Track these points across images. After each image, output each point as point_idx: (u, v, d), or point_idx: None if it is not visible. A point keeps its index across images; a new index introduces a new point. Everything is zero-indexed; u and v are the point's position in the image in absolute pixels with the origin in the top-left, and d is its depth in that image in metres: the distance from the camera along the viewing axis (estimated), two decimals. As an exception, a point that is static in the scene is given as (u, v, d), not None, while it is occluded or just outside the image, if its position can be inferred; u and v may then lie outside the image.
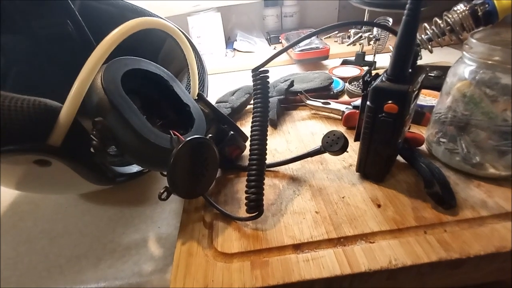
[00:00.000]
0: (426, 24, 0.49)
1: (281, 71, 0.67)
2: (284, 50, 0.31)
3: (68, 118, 0.24)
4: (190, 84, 0.39)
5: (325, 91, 0.53)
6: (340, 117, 0.47)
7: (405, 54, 0.25)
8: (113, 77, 0.27)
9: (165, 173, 0.30)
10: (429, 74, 0.52)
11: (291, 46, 0.31)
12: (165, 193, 0.28)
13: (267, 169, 0.37)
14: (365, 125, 0.30)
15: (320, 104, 0.48)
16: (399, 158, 0.36)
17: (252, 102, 0.33)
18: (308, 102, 0.49)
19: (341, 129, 0.45)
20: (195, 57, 0.37)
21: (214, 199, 0.34)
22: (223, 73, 0.77)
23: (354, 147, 0.39)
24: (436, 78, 0.50)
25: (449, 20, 0.45)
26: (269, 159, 0.35)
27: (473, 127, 0.32)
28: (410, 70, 0.27)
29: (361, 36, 0.63)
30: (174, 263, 0.27)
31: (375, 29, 0.61)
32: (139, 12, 0.43)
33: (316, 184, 0.35)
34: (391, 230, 0.28)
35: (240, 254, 0.27)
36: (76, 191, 0.37)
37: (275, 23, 0.95)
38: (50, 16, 0.30)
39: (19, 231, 0.36)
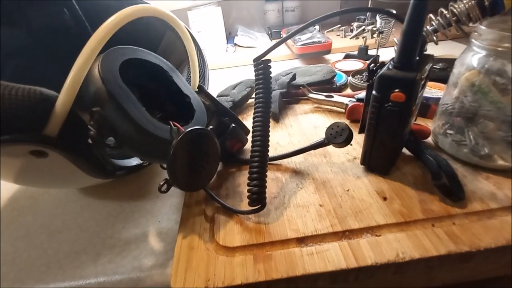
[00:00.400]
0: (431, 15, 0.47)
1: (283, 66, 0.66)
2: (288, 37, 0.30)
3: (65, 107, 0.23)
4: (190, 77, 0.39)
5: (327, 85, 0.52)
6: (343, 111, 0.46)
7: (413, 40, 0.24)
8: (111, 66, 0.26)
9: (165, 165, 0.29)
10: (435, 66, 0.51)
11: (295, 33, 0.30)
12: (165, 186, 0.27)
13: (269, 162, 0.36)
14: (371, 115, 0.29)
15: (323, 97, 0.47)
16: (404, 150, 0.35)
17: (254, 93, 0.32)
18: (311, 95, 0.48)
19: (343, 121, 0.44)
20: (195, 48, 0.36)
21: (216, 192, 0.33)
22: (224, 68, 0.76)
23: (358, 139, 0.39)
24: (442, 70, 0.49)
25: (455, 10, 0.44)
26: (271, 153, 0.34)
27: (481, 117, 0.31)
28: (417, 58, 0.26)
29: (364, 29, 0.62)
30: (175, 257, 0.26)
31: (378, 21, 0.60)
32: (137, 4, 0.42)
33: (319, 177, 0.34)
34: (398, 223, 0.27)
35: (242, 247, 0.27)
36: (75, 185, 0.36)
37: (277, 18, 0.94)
38: (47, 5, 0.29)
39: (18, 226, 0.35)
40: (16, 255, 0.32)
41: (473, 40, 0.30)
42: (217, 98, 0.49)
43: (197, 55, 0.36)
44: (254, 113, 0.31)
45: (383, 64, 0.29)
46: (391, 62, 0.26)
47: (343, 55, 0.70)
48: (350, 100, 0.44)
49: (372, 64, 0.29)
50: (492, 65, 0.28)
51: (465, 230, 0.26)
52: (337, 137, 0.32)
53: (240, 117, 0.48)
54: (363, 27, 0.62)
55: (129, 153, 0.33)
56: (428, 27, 0.48)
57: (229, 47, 0.83)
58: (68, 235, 0.33)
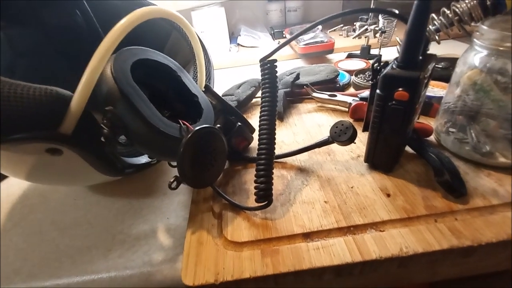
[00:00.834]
0: (433, 15, 0.48)
1: (286, 66, 0.67)
2: (292, 38, 0.31)
3: (79, 106, 0.24)
4: (196, 77, 0.39)
5: (331, 84, 0.52)
6: (346, 110, 0.46)
7: (416, 39, 0.25)
8: (123, 66, 0.27)
9: (174, 163, 0.30)
10: (437, 65, 0.52)
11: (300, 35, 0.30)
12: (175, 183, 0.28)
13: (275, 160, 0.36)
14: (375, 114, 0.30)
15: (326, 97, 0.48)
16: (407, 148, 0.36)
17: (260, 92, 0.33)
18: (314, 94, 0.49)
19: (347, 120, 0.45)
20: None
21: (222, 189, 0.34)
22: (227, 68, 0.76)
23: (361, 138, 0.39)
24: (444, 69, 0.50)
25: (457, 10, 0.44)
26: (277, 151, 0.34)
27: (483, 116, 0.32)
28: (420, 58, 0.27)
29: (366, 29, 0.62)
30: (185, 252, 0.27)
31: (381, 21, 0.60)
32: (145, 5, 0.42)
33: (324, 175, 0.34)
34: (401, 219, 0.28)
35: (250, 242, 0.27)
36: (85, 182, 0.37)
37: (279, 17, 0.95)
38: (59, 6, 0.30)
39: (29, 222, 0.36)
40: (29, 251, 0.33)
41: (475, 39, 0.30)
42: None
43: (203, 55, 0.37)
44: (260, 112, 0.32)
45: (386, 63, 0.29)
46: (395, 62, 0.27)
47: (345, 54, 0.71)
48: (353, 99, 0.45)
49: (376, 64, 0.29)
50: (494, 64, 0.29)
51: (467, 225, 0.26)
52: (341, 135, 0.32)
53: (245, 116, 0.49)
54: (365, 26, 0.63)
55: (139, 151, 0.34)
56: (430, 26, 0.48)
57: (232, 47, 0.84)
58: (78, 231, 0.34)
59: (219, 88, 0.56)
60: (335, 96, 0.47)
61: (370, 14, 0.63)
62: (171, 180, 0.28)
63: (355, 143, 0.36)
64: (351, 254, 0.25)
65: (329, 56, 0.73)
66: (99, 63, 0.24)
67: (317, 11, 0.98)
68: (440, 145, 0.36)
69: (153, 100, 0.28)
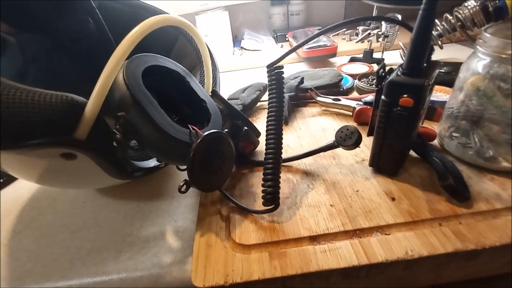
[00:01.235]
0: (436, 20, 0.49)
1: (289, 69, 0.67)
2: (299, 46, 0.31)
3: (93, 112, 0.24)
4: (202, 81, 0.40)
5: (334, 88, 0.53)
6: (350, 113, 0.47)
7: (421, 48, 0.25)
8: (134, 73, 0.28)
9: (182, 167, 0.31)
10: (440, 70, 0.52)
11: (306, 42, 0.31)
12: (185, 186, 0.28)
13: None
14: (380, 119, 0.30)
15: (330, 101, 0.48)
16: (411, 152, 0.36)
17: (267, 97, 0.33)
18: (318, 98, 0.49)
19: (352, 125, 0.45)
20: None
21: (230, 193, 0.34)
22: (231, 71, 0.77)
23: (366, 142, 0.40)
24: (447, 74, 0.51)
25: (460, 15, 0.45)
26: (282, 155, 0.35)
27: (486, 121, 0.32)
28: (425, 65, 0.27)
29: (369, 33, 0.63)
30: (194, 254, 0.28)
31: (383, 26, 0.61)
32: (152, 11, 0.43)
33: (329, 178, 0.35)
34: (406, 222, 0.28)
35: (257, 245, 0.28)
36: (95, 185, 0.37)
37: (282, 21, 0.96)
38: (74, 15, 0.31)
39: (40, 224, 0.37)
40: (40, 252, 0.33)
41: (478, 46, 0.31)
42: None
43: (211, 62, 0.38)
44: (267, 117, 0.32)
45: (391, 70, 0.30)
46: (400, 69, 0.28)
47: (348, 58, 0.72)
48: (357, 103, 0.45)
49: (381, 70, 0.30)
50: (496, 71, 0.30)
51: (471, 229, 0.27)
52: (346, 139, 0.33)
53: (250, 119, 0.50)
54: (368, 31, 0.63)
55: (149, 155, 0.34)
56: (433, 31, 0.49)
57: (235, 50, 0.85)
58: (88, 233, 0.35)
59: (223, 91, 0.57)
60: (339, 100, 0.48)
61: (373, 18, 0.64)
62: (181, 184, 0.28)
63: (359, 147, 0.36)
64: (358, 257, 0.26)
65: (332, 59, 0.74)
66: (113, 70, 0.24)
67: (319, 15, 0.98)
68: (444, 149, 0.37)
69: (162, 105, 0.29)
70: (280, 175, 0.32)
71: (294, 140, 0.43)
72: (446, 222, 0.28)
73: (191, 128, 0.29)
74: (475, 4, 0.44)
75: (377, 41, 0.63)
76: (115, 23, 0.38)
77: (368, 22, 0.67)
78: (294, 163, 0.38)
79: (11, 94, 0.22)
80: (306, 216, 0.30)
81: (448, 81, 0.46)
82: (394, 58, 0.67)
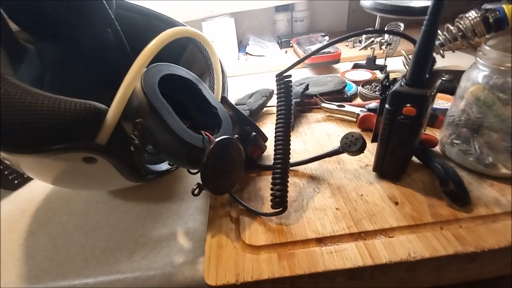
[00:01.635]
0: (438, 30, 0.50)
1: (294, 75, 0.68)
2: (308, 56, 0.33)
3: (114, 119, 0.26)
4: (212, 88, 0.42)
5: (339, 94, 0.55)
6: (354, 120, 0.48)
7: (424, 61, 0.27)
8: (152, 81, 0.29)
9: (193, 170, 0.32)
10: (442, 78, 0.54)
11: (315, 53, 0.33)
12: (197, 189, 0.30)
13: (288, 168, 0.38)
14: (383, 126, 0.32)
15: (335, 107, 0.50)
16: (414, 158, 0.37)
17: (275, 104, 0.35)
18: (323, 105, 0.51)
19: (356, 131, 0.46)
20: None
21: (238, 196, 0.36)
22: (236, 76, 0.79)
23: (370, 148, 0.41)
24: (448, 82, 0.52)
25: (461, 26, 0.46)
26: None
27: (486, 129, 0.34)
28: (427, 75, 0.29)
29: (372, 41, 0.65)
30: (206, 254, 0.29)
31: (386, 34, 0.63)
32: (163, 20, 0.45)
33: (334, 183, 0.36)
34: (409, 226, 0.30)
35: (267, 246, 0.29)
36: (109, 187, 0.39)
37: (286, 27, 0.97)
38: (94, 25, 0.33)
39: (54, 225, 0.38)
40: (56, 251, 0.35)
41: (478, 58, 0.32)
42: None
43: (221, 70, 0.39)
44: (276, 123, 0.34)
45: (395, 79, 0.31)
46: (403, 79, 0.29)
47: (351, 64, 0.73)
48: (361, 110, 0.47)
49: (385, 80, 0.31)
50: (495, 82, 0.31)
51: (471, 232, 0.28)
52: (351, 145, 0.34)
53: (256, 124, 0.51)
54: (372, 38, 0.65)
55: (163, 159, 0.36)
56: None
57: (240, 55, 0.86)
58: (102, 234, 0.36)
59: (229, 96, 0.58)
60: (343, 106, 0.49)
61: (376, 26, 0.66)
62: (194, 187, 0.30)
63: (363, 153, 0.38)
64: (363, 258, 0.27)
65: (336, 65, 0.75)
66: (133, 79, 0.26)
67: (322, 21, 1.00)
68: (445, 156, 0.38)
69: (175, 111, 0.30)
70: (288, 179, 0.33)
71: (299, 145, 0.45)
72: (447, 226, 0.29)
73: (203, 134, 0.30)
74: (476, 15, 0.45)
75: (380, 48, 0.64)
76: (129, 32, 0.40)
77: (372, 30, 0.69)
78: (301, 168, 0.40)
79: (39, 102, 0.23)
80: (313, 219, 0.32)
81: (450, 89, 0.47)
82: (397, 65, 0.69)
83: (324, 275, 0.27)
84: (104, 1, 0.34)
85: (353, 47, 0.76)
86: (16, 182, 0.46)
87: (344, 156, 0.40)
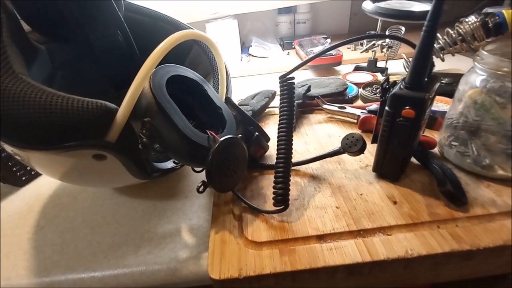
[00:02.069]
0: (438, 34, 0.51)
1: (296, 76, 0.70)
2: (311, 59, 0.34)
3: (124, 118, 0.27)
4: (216, 89, 0.43)
5: (340, 96, 0.56)
6: (355, 121, 0.49)
7: (423, 65, 0.28)
8: (159, 82, 0.30)
9: (197, 168, 0.33)
10: (441, 81, 0.54)
11: (319, 55, 0.34)
12: (202, 187, 0.31)
13: (289, 167, 0.39)
14: (383, 128, 0.33)
15: (336, 108, 0.51)
16: (413, 159, 0.38)
17: (278, 105, 0.36)
18: (325, 106, 0.52)
19: (356, 132, 0.47)
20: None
21: (241, 194, 0.37)
22: (239, 77, 0.80)
23: (370, 149, 0.42)
24: (448, 85, 0.53)
25: (461, 30, 0.47)
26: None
27: (484, 131, 0.35)
28: (426, 79, 0.30)
29: (374, 44, 0.66)
30: (210, 249, 0.30)
31: (387, 37, 0.64)
32: (170, 22, 0.46)
33: (335, 182, 0.37)
34: (407, 224, 0.30)
35: (268, 242, 0.30)
36: (116, 184, 0.40)
37: (288, 29, 0.99)
38: (105, 27, 0.34)
39: (62, 220, 0.40)
40: (64, 246, 0.36)
41: (476, 63, 0.33)
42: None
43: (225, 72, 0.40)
44: (279, 124, 0.35)
45: (395, 82, 0.32)
46: (403, 83, 0.30)
47: (353, 66, 0.74)
48: (362, 112, 0.48)
49: (385, 83, 0.32)
50: (493, 86, 0.32)
51: (467, 231, 0.29)
52: (352, 146, 0.35)
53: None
54: (373, 41, 0.66)
55: (169, 157, 0.37)
56: (435, 45, 0.52)
57: (243, 57, 0.88)
58: (108, 229, 0.37)
59: (232, 96, 0.60)
60: (344, 108, 0.50)
61: (377, 29, 0.67)
62: (199, 185, 0.31)
63: (364, 153, 0.39)
64: (362, 255, 0.28)
65: (337, 68, 0.76)
66: (142, 80, 0.27)
67: (324, 24, 1.01)
68: (443, 157, 0.39)
69: (182, 111, 0.32)
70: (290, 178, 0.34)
71: (301, 146, 0.46)
72: (444, 225, 0.30)
73: (209, 133, 0.31)
74: (476, 20, 0.46)
75: (381, 51, 0.65)
76: (137, 33, 0.41)
77: (373, 33, 0.70)
78: (302, 167, 0.41)
79: (54, 101, 0.24)
80: (314, 217, 0.33)
81: (449, 92, 0.48)
82: (397, 68, 0.70)
83: (324, 270, 0.28)
84: (114, 4, 0.35)
85: (355, 49, 0.77)
86: (24, 178, 0.47)
87: (345, 156, 0.41)
